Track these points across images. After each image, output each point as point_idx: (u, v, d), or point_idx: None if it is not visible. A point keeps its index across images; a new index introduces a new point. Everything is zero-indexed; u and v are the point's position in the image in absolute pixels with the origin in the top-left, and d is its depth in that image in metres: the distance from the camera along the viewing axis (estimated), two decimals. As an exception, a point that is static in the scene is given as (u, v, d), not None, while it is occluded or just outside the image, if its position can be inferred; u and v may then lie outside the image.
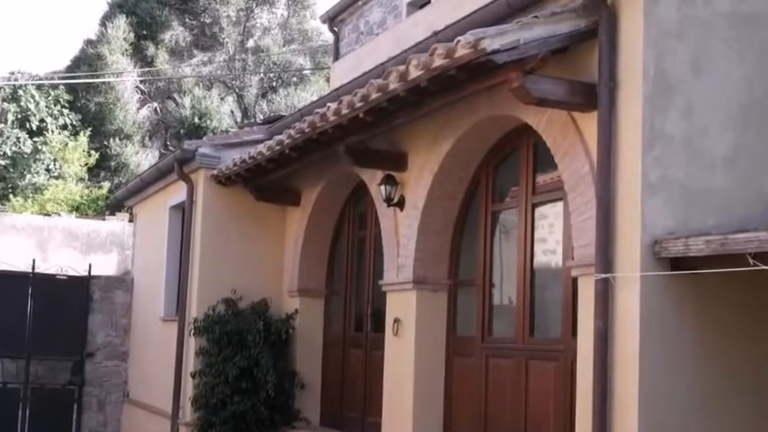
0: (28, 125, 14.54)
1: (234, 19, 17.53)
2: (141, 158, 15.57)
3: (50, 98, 14.96)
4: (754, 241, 2.80)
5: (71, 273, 8.25)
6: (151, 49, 16.57)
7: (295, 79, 17.14)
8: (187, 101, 16.04)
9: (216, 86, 16.98)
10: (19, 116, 14.50)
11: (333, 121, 4.43)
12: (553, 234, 4.01)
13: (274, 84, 17.22)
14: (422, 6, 7.25)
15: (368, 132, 4.48)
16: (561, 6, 3.42)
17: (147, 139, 16.42)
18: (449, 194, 4.53)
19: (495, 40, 3.17)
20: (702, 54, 3.29)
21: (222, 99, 16.68)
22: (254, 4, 17.77)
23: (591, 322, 3.23)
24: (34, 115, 14.59)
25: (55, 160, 14.23)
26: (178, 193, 6.78)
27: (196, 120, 15.73)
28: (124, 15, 16.44)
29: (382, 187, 4.74)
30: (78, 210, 12.19)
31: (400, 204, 4.73)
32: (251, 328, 5.83)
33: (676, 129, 3.22)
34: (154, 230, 7.66)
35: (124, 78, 15.88)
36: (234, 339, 5.82)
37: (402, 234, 4.69)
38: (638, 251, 3.11)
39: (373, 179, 4.95)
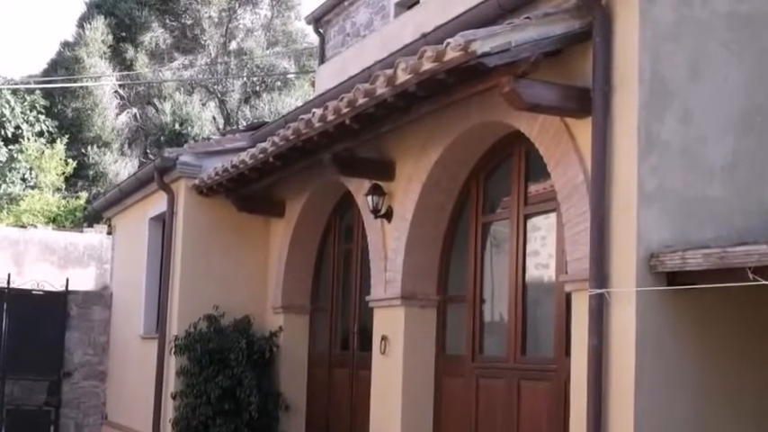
0: (3, 132, 14.12)
1: (216, 20, 17.23)
2: (120, 167, 15.21)
3: (26, 103, 14.54)
4: (754, 255, 2.68)
5: (48, 288, 7.99)
6: (130, 52, 16.20)
7: (279, 83, 16.90)
8: (167, 106, 15.69)
9: (197, 91, 16.67)
10: (-7, 122, 14.09)
11: (318, 128, 4.26)
12: (546, 247, 3.86)
13: (258, 88, 16.95)
14: (410, 7, 7.08)
15: (354, 140, 4.32)
16: (554, 7, 3.29)
17: (126, 146, 16.05)
18: (438, 205, 4.38)
19: (485, 42, 3.04)
20: (700, 57, 3.17)
21: (204, 104, 16.38)
22: (237, 5, 17.49)
23: (585, 340, 3.11)
24: (9, 122, 14.17)
25: (31, 169, 13.83)
26: (158, 203, 6.56)
27: (177, 126, 15.40)
28: (102, 16, 16.01)
29: (369, 198, 4.58)
30: (55, 221, 11.84)
31: (388, 216, 4.57)
32: (233, 347, 5.64)
33: (673, 135, 3.10)
34: (133, 243, 7.42)
35: (102, 83, 15.50)
36: (216, 358, 5.63)
37: (390, 247, 4.53)
38: (634, 265, 3.00)
39: (360, 189, 4.79)
